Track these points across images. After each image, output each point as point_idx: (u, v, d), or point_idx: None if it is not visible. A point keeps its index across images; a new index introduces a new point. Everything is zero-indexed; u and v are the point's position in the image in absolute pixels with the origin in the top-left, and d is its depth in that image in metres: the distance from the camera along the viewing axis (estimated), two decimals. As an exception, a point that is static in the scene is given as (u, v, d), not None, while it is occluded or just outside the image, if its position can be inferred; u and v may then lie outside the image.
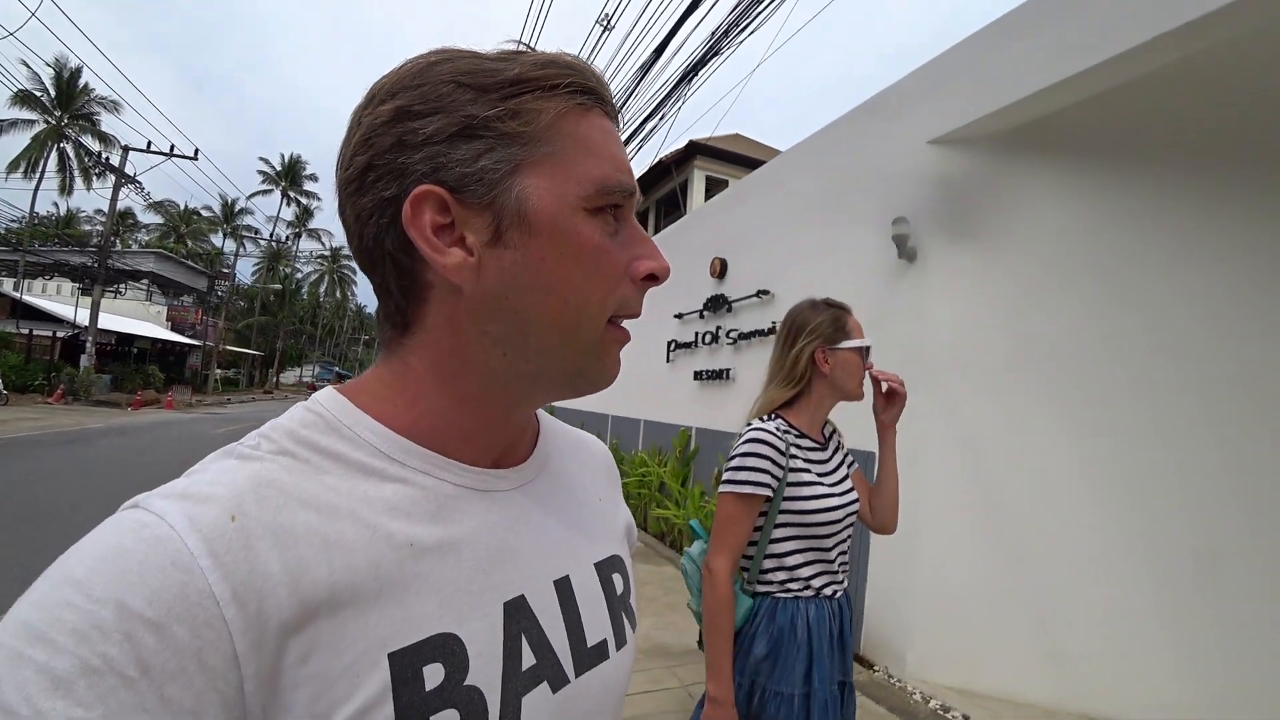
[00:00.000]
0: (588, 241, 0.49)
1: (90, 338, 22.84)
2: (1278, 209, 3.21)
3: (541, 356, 0.50)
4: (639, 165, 20.49)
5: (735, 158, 14.81)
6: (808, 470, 1.50)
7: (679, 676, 3.47)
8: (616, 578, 0.63)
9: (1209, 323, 3.30)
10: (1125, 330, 3.48)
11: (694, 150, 18.12)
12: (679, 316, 7.06)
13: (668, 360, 7.29)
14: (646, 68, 8.15)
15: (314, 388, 68.72)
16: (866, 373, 1.61)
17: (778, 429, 1.50)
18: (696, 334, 6.59)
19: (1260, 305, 3.22)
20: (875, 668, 3.77)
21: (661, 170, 19.19)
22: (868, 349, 1.59)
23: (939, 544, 3.60)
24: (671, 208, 16.21)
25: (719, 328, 6.13)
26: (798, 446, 1.51)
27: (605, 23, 9.37)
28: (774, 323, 5.17)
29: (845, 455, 1.66)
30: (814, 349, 1.56)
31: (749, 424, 1.55)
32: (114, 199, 24.12)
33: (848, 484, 1.57)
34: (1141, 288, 3.43)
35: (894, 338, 3.92)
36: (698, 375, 6.44)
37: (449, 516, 0.49)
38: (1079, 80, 3.06)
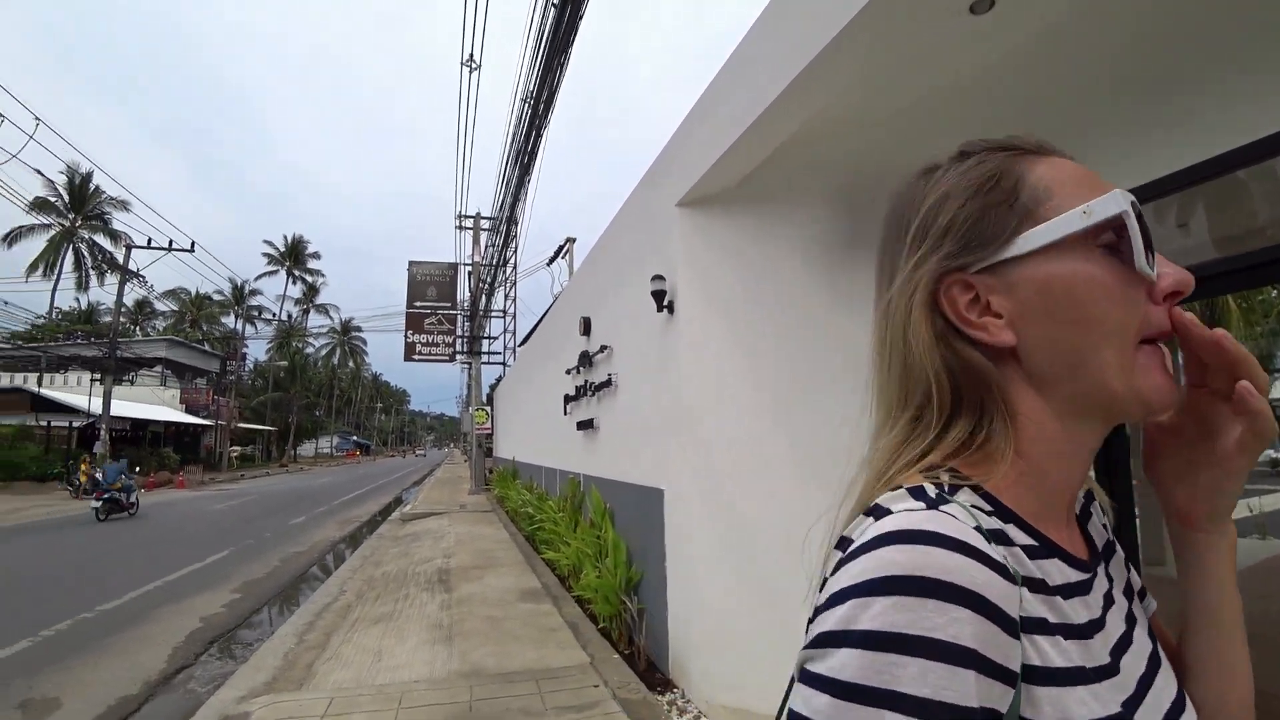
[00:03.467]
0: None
1: (103, 425, 23.87)
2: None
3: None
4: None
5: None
6: (1060, 647, 0.44)
7: (473, 693, 3.93)
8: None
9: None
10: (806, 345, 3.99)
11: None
12: (568, 372, 7.65)
13: (565, 413, 7.85)
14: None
15: (354, 455, 69.33)
16: (1165, 314, 0.50)
17: (976, 530, 0.43)
18: (576, 387, 7.17)
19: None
20: (675, 688, 4.17)
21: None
22: (1146, 243, 0.47)
23: (704, 568, 4.03)
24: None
25: (587, 381, 6.70)
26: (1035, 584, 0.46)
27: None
28: (610, 375, 5.74)
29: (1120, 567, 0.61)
30: (936, 288, 0.52)
31: (875, 513, 0.47)
32: (120, 293, 25.65)
33: (1141, 659, 0.52)
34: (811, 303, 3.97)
35: (662, 385, 4.47)
36: (581, 425, 6.99)
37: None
38: (743, 144, 3.60)
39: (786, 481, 3.86)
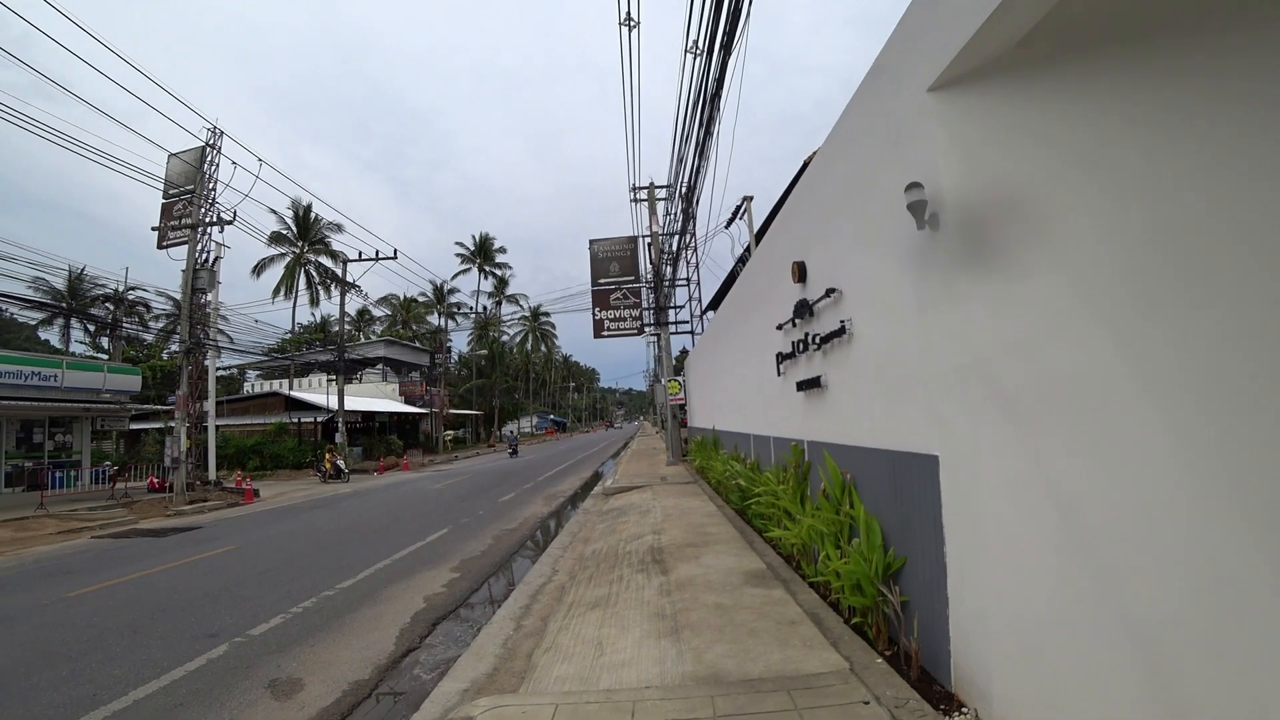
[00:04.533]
0: None
1: (340, 419, 27.48)
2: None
3: None
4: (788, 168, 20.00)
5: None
6: None
7: (716, 707, 3.32)
8: None
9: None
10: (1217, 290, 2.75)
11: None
12: (780, 327, 6.82)
13: (779, 374, 7.04)
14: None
15: (552, 432, 76.05)
16: None
17: None
18: (793, 343, 6.32)
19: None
20: (964, 710, 3.27)
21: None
22: None
23: (1006, 561, 3.05)
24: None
25: (807, 334, 5.83)
26: None
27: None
28: (843, 322, 4.82)
29: None
30: None
31: None
32: (342, 303, 29.07)
33: None
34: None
35: (929, 325, 3.50)
36: (800, 386, 6.15)
37: None
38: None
39: (1145, 451, 2.69)
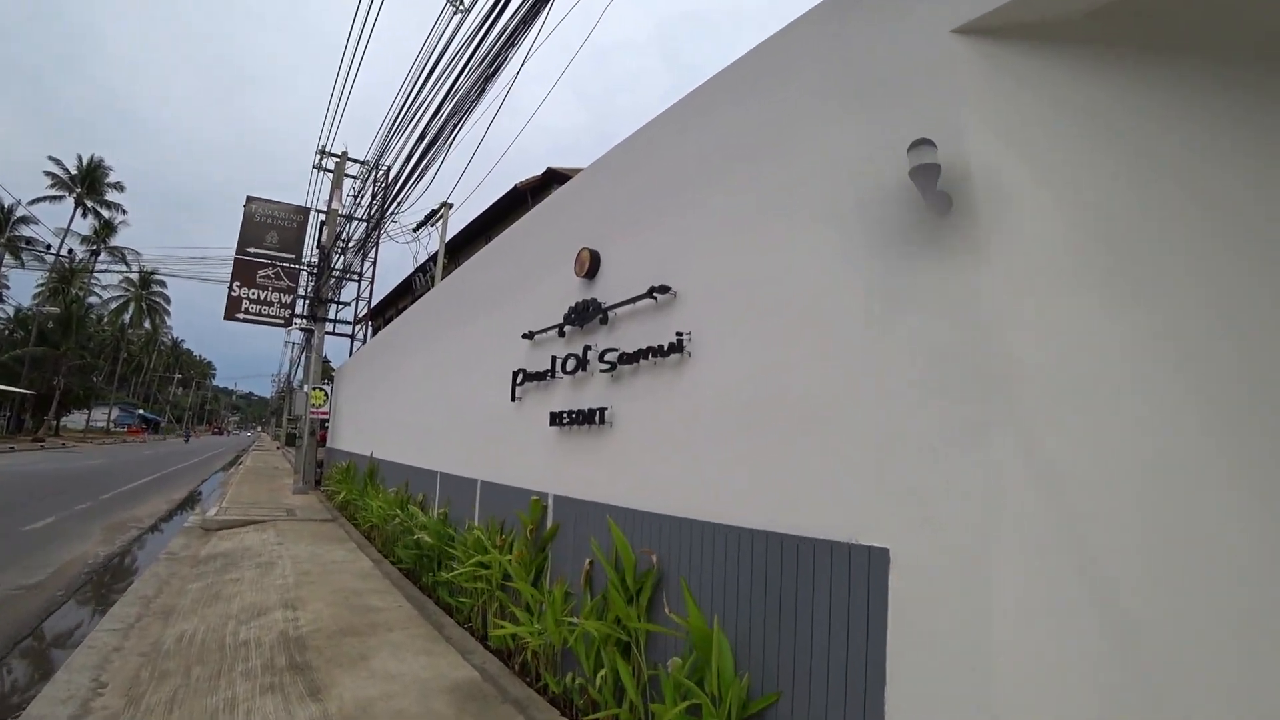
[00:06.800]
0: None
1: None
2: None
3: None
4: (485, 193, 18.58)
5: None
6: None
7: None
8: None
9: None
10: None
11: (552, 178, 16.48)
12: (529, 336, 5.06)
13: (513, 398, 5.23)
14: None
15: (138, 432, 56.46)
16: None
17: None
18: (554, 359, 4.62)
19: None
20: None
21: (515, 200, 17.34)
22: None
23: (1022, 622, 1.86)
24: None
25: (587, 348, 4.21)
26: None
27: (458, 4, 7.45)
28: (679, 334, 3.34)
29: None
30: None
31: None
32: None
33: None
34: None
35: (917, 343, 2.23)
36: (556, 419, 4.45)
37: None
38: None
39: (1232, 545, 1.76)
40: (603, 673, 3.22)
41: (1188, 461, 2.00)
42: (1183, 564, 1.93)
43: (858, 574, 2.27)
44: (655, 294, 3.56)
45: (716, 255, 3.22)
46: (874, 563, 2.21)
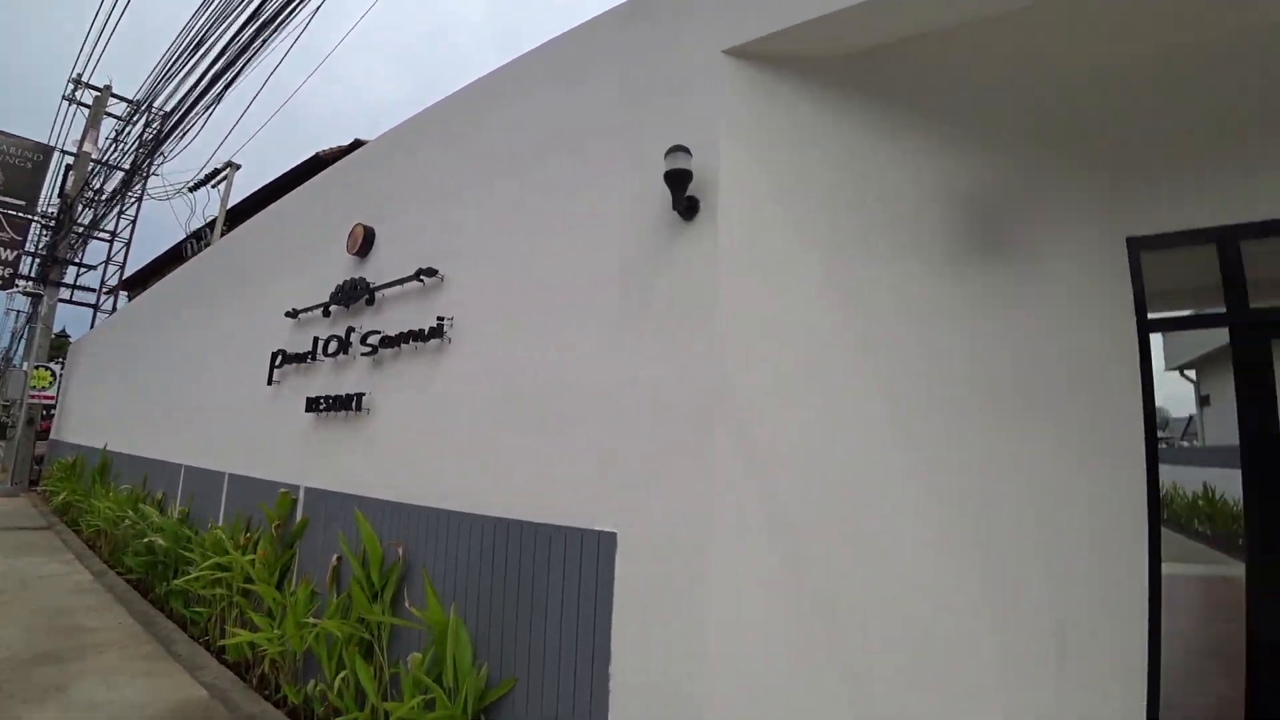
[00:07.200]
0: None
1: None
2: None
3: None
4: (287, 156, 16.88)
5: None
6: None
7: None
8: None
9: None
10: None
11: (358, 148, 15.30)
12: (293, 315, 4.61)
13: (270, 381, 4.73)
14: None
15: None
16: None
17: None
18: (316, 340, 4.25)
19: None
20: None
21: (315, 167, 15.85)
22: None
23: (734, 597, 2.02)
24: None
25: (351, 329, 3.92)
26: None
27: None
28: (440, 319, 3.21)
29: None
30: None
31: None
32: None
33: None
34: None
35: (655, 341, 2.33)
36: (314, 405, 4.09)
37: None
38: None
39: (918, 534, 2.09)
40: (343, 674, 3.00)
41: (872, 440, 2.31)
42: (871, 531, 2.22)
43: (588, 558, 2.32)
44: (423, 276, 3.41)
45: (488, 243, 3.15)
46: (603, 547, 2.28)
